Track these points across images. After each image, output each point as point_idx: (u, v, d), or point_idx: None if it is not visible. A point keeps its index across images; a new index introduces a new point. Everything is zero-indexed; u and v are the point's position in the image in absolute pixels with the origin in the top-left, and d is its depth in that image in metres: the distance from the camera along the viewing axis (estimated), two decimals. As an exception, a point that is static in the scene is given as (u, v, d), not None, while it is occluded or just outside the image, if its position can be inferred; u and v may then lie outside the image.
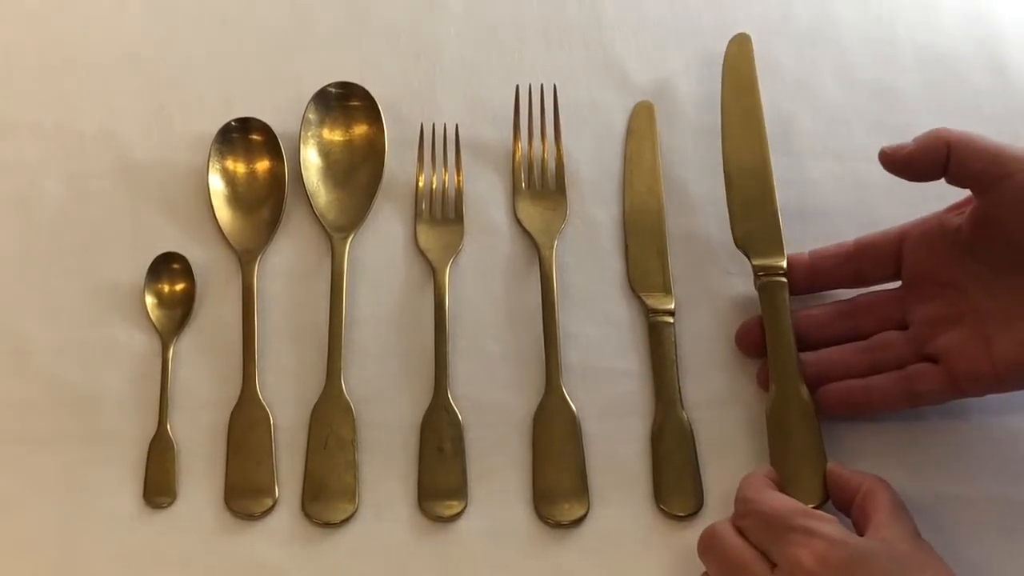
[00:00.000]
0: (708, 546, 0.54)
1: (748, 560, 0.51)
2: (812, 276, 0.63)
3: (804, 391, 0.59)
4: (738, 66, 0.69)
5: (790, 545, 0.50)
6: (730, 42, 0.71)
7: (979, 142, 0.56)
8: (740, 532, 0.53)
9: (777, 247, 0.64)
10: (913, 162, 0.58)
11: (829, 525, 0.51)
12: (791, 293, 0.62)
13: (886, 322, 0.61)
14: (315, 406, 0.61)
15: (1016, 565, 0.57)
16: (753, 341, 0.62)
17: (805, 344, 0.61)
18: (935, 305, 0.59)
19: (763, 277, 0.63)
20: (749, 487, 0.55)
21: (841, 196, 0.68)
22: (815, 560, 0.49)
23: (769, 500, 0.53)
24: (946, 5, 0.76)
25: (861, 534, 0.52)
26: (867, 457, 0.59)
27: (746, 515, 0.53)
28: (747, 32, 0.72)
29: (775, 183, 0.67)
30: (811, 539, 0.50)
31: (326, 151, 0.69)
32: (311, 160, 0.69)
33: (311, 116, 0.69)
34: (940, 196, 0.68)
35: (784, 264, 0.63)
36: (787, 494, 0.57)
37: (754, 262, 0.63)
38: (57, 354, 0.64)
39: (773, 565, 0.51)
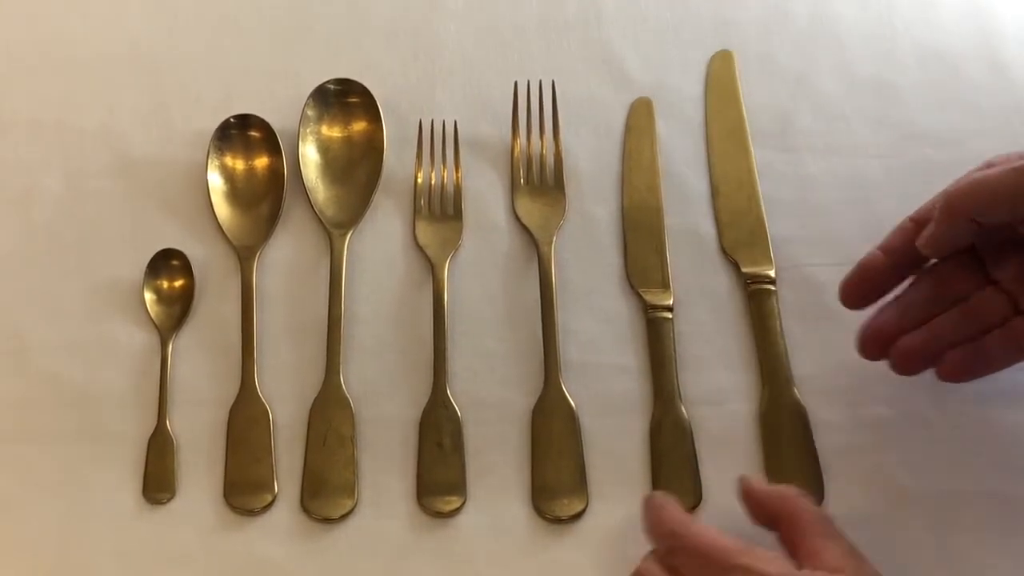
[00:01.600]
0: None
1: None
2: (892, 269, 0.59)
3: (795, 395, 0.60)
4: (721, 81, 0.72)
5: None
6: (712, 57, 0.73)
7: (990, 186, 0.53)
8: (671, 570, 0.51)
9: (765, 255, 0.65)
10: (944, 240, 0.56)
11: (773, 564, 0.49)
12: (875, 297, 0.59)
13: (977, 280, 0.57)
14: (314, 402, 0.61)
15: (1016, 562, 0.57)
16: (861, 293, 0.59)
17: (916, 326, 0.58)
18: (1017, 262, 0.57)
19: (752, 285, 0.64)
20: (671, 520, 0.52)
21: (841, 192, 0.68)
22: None
23: (702, 536, 0.51)
24: (945, 1, 0.76)
25: (793, 557, 0.50)
26: (866, 453, 0.59)
27: (677, 552, 0.51)
28: (741, 34, 0.74)
29: (773, 182, 0.68)
30: None
31: (325, 147, 0.69)
32: (310, 156, 0.69)
33: (310, 112, 0.69)
34: (939, 192, 0.68)
35: (772, 272, 0.64)
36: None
37: (743, 270, 0.64)
38: (56, 351, 0.64)
39: None
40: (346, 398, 0.61)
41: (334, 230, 0.66)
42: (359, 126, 0.70)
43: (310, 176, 0.68)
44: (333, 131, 0.70)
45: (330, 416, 0.61)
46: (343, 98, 0.70)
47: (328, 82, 0.70)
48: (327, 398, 0.61)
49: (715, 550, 0.50)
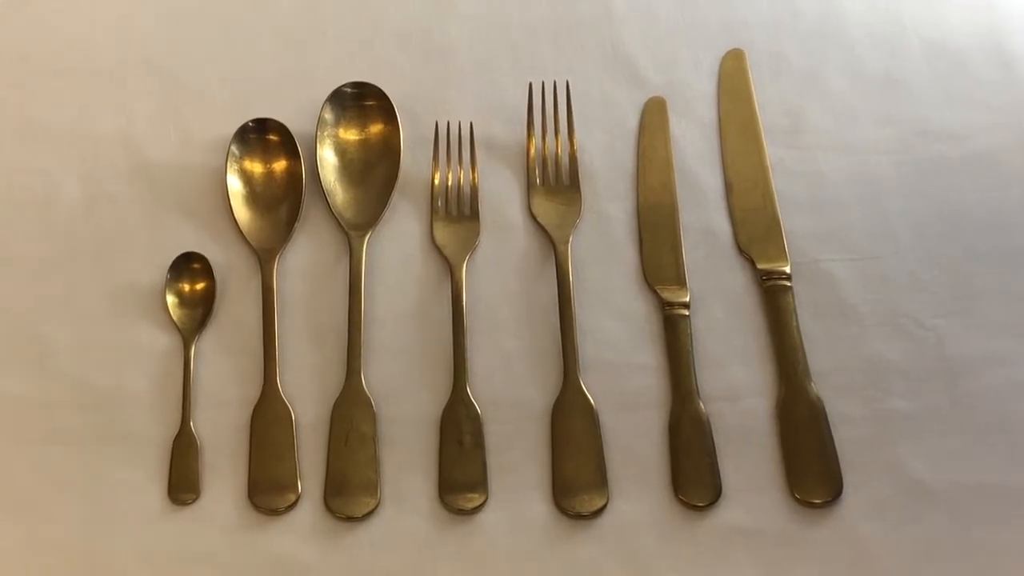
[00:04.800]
0: None
1: None
2: None
3: (813, 389, 0.61)
4: (734, 79, 0.72)
5: None
6: (724, 57, 0.74)
7: None
8: None
9: (780, 252, 0.66)
10: None
11: None
12: None
13: None
14: (336, 402, 0.62)
15: (1031, 553, 0.57)
16: None
17: None
18: None
19: (768, 281, 0.64)
20: None
21: (852, 188, 0.69)
22: None
23: None
24: (953, -2, 0.76)
25: None
26: (881, 447, 0.60)
27: None
28: (751, 33, 0.74)
29: (785, 179, 0.69)
30: None
31: (342, 150, 0.70)
32: (328, 159, 0.69)
33: (327, 116, 0.70)
34: (949, 187, 0.69)
35: (787, 268, 0.65)
36: (798, 490, 0.58)
37: (759, 267, 0.65)
38: (80, 355, 0.64)
39: None
40: (367, 397, 0.62)
41: (352, 232, 0.67)
42: (376, 128, 0.70)
43: (328, 179, 0.69)
44: (350, 134, 0.70)
45: (352, 415, 0.61)
46: (359, 101, 0.70)
47: (344, 85, 0.70)
48: (349, 398, 0.62)
49: None
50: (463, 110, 0.71)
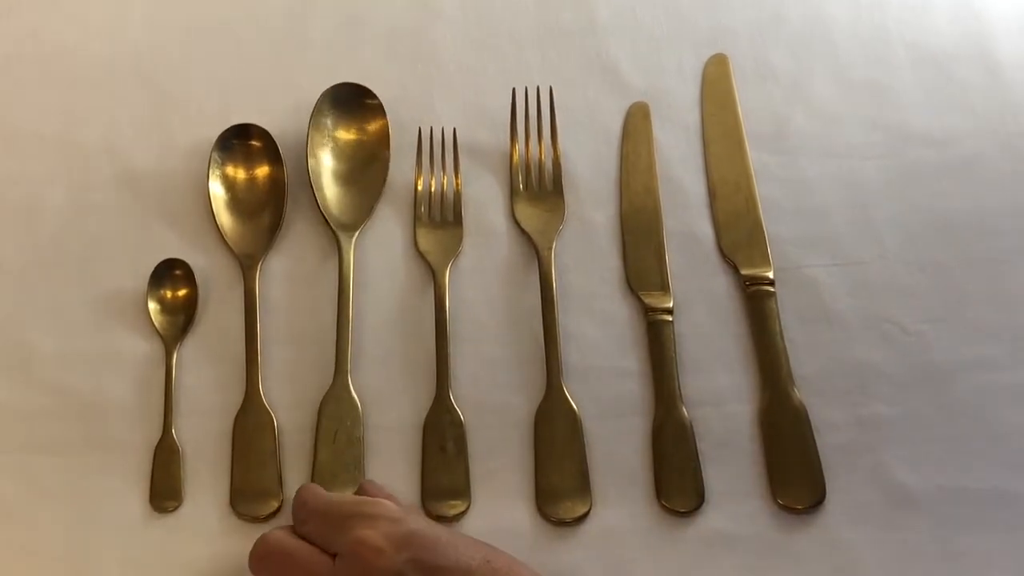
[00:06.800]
0: (262, 554, 0.54)
1: (306, 555, 0.52)
2: None
3: (796, 395, 0.61)
4: (717, 85, 0.72)
5: (351, 529, 0.52)
6: (708, 62, 0.73)
7: None
8: (303, 538, 0.54)
9: (763, 257, 0.66)
10: None
11: (379, 507, 0.53)
12: None
13: None
14: (323, 400, 0.62)
15: (1017, 558, 0.57)
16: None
17: None
18: None
19: (751, 287, 0.64)
20: (304, 493, 0.56)
21: (836, 193, 0.69)
22: (380, 537, 0.51)
23: (325, 497, 0.55)
24: (937, 3, 0.76)
25: None
26: (865, 452, 0.60)
27: (305, 520, 0.54)
28: (735, 38, 0.74)
29: (769, 184, 0.69)
30: (373, 521, 0.52)
31: (335, 149, 0.70)
32: (320, 158, 0.69)
33: (321, 115, 0.69)
34: (934, 192, 0.69)
35: (770, 274, 0.65)
36: (782, 496, 0.58)
37: (742, 272, 0.65)
38: (62, 362, 0.64)
39: (334, 556, 0.52)
40: (354, 397, 0.62)
41: (341, 232, 0.67)
42: (370, 128, 0.70)
43: (318, 177, 0.68)
44: (347, 133, 0.70)
45: (340, 414, 0.61)
46: (358, 100, 0.70)
47: (340, 85, 0.70)
48: (337, 396, 0.62)
49: (333, 505, 0.54)
50: (447, 116, 0.71)
